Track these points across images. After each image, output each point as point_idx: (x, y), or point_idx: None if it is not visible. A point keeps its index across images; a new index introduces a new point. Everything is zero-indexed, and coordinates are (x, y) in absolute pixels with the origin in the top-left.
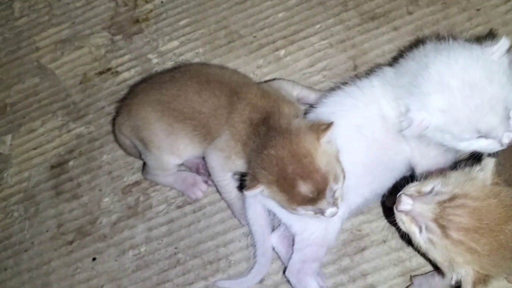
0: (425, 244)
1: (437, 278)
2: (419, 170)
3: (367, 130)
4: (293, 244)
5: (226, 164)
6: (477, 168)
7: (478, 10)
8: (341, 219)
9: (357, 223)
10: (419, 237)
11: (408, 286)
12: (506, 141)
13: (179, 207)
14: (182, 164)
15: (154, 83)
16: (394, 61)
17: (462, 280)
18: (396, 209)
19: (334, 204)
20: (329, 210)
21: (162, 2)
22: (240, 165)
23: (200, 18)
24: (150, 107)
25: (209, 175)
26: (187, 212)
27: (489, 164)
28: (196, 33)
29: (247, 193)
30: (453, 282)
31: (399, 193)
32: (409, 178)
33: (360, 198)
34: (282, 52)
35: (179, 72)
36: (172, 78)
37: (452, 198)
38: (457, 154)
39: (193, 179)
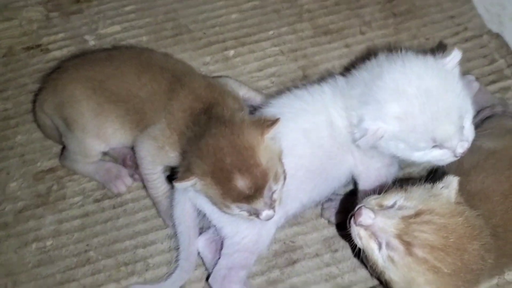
0: (383, 262)
1: None
2: (360, 182)
3: (313, 136)
4: (221, 249)
5: (158, 155)
6: (440, 185)
7: (427, 39)
8: (276, 225)
9: (291, 234)
10: (377, 255)
11: None
12: (460, 151)
13: (97, 200)
14: (106, 154)
15: (88, 59)
16: (346, 71)
17: None
18: (355, 223)
19: (271, 206)
20: (265, 213)
21: None
22: (173, 158)
23: (148, 6)
24: (80, 84)
25: (136, 168)
26: (105, 207)
27: (453, 182)
28: (141, 21)
29: (178, 185)
30: None
31: (358, 205)
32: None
33: (299, 204)
34: (231, 52)
35: (118, 51)
36: (109, 56)
37: (417, 214)
38: (399, 169)
39: (117, 171)
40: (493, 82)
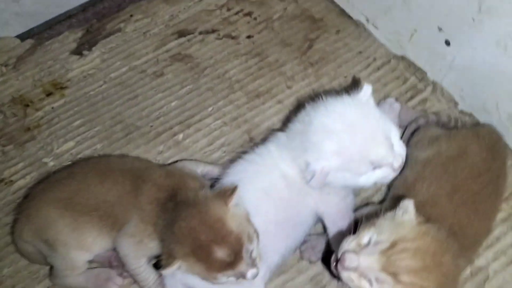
0: None
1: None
2: (325, 219)
3: (272, 191)
4: None
5: (139, 250)
6: (399, 212)
7: (345, 77)
8: (263, 280)
9: (280, 283)
10: None
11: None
12: (396, 165)
13: None
14: (92, 261)
15: (51, 182)
16: (284, 125)
17: None
18: (343, 267)
19: (253, 265)
20: (250, 272)
21: (52, 108)
22: (153, 247)
23: (94, 116)
24: (51, 206)
25: (123, 266)
26: None
27: (409, 206)
28: (91, 131)
29: (165, 272)
30: None
31: (341, 252)
32: None
33: (278, 256)
34: (180, 136)
35: (78, 166)
36: (71, 174)
37: (392, 245)
38: (355, 197)
39: (106, 275)
40: (411, 98)
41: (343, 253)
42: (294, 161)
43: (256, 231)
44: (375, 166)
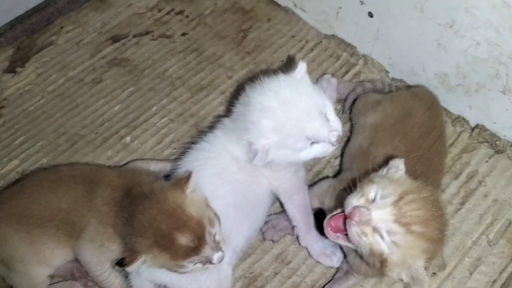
0: (388, 249)
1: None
2: (281, 196)
3: (226, 175)
4: None
5: (101, 254)
6: (391, 170)
7: (282, 61)
8: (230, 264)
9: (247, 266)
10: (383, 244)
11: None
12: (333, 139)
13: None
14: (53, 276)
15: (0, 199)
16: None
17: (414, 273)
18: (357, 222)
19: (218, 248)
20: (216, 256)
21: None
22: (115, 250)
23: (36, 132)
24: (3, 223)
25: (87, 275)
26: None
27: (399, 164)
28: (35, 147)
29: (130, 268)
30: (405, 280)
31: (351, 207)
32: None
33: (242, 238)
34: (128, 138)
35: (26, 180)
36: (20, 187)
37: (401, 197)
38: (305, 172)
39: (71, 287)
40: (346, 73)
41: (355, 208)
42: (239, 142)
43: (216, 215)
44: (313, 141)
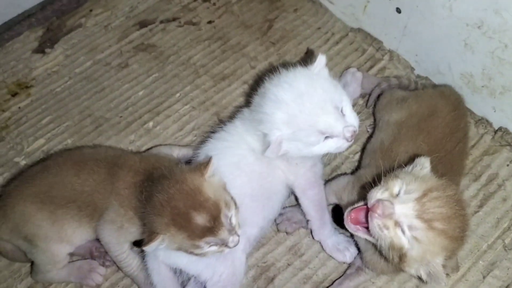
0: (408, 244)
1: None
2: (296, 189)
3: (244, 165)
4: None
5: (120, 235)
6: (417, 167)
7: (306, 53)
8: (244, 252)
9: (260, 256)
10: (403, 239)
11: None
12: (348, 135)
13: None
14: (72, 254)
15: (25, 177)
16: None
17: (432, 270)
18: (379, 215)
19: (234, 232)
20: (231, 239)
21: (19, 107)
22: (134, 232)
23: (63, 112)
24: (27, 202)
25: (105, 255)
26: None
27: (425, 162)
28: (61, 127)
29: (148, 248)
30: (424, 277)
31: (374, 199)
32: None
33: (256, 228)
34: (150, 124)
35: (51, 160)
36: (45, 167)
37: (425, 193)
38: (322, 168)
39: (88, 265)
40: (371, 67)
41: (378, 201)
42: (256, 133)
43: (233, 199)
44: (326, 135)
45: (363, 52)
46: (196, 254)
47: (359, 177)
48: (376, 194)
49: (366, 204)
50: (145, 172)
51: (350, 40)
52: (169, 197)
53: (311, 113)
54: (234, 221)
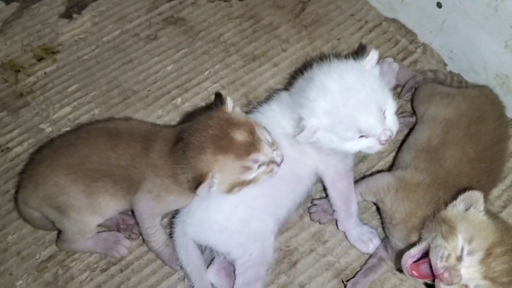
0: None
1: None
2: (325, 179)
3: None
4: (233, 271)
5: (156, 206)
6: (471, 210)
7: (338, 39)
8: (273, 233)
9: (284, 240)
10: None
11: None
12: (383, 138)
13: (103, 270)
14: (99, 225)
15: (58, 147)
16: (282, 88)
17: None
18: (448, 283)
19: (275, 147)
20: (275, 153)
21: (45, 73)
22: (170, 201)
23: (90, 81)
24: (60, 172)
25: (132, 227)
26: (114, 274)
27: (479, 199)
28: (88, 96)
29: (201, 190)
30: None
31: (442, 268)
32: None
33: (285, 209)
34: (179, 100)
35: (85, 132)
36: (79, 139)
37: (488, 253)
38: (353, 160)
39: (114, 237)
40: (402, 59)
41: (447, 270)
42: (292, 118)
43: (265, 128)
44: (362, 134)
45: (396, 43)
46: (249, 183)
47: (402, 179)
48: (442, 262)
49: (426, 253)
50: (177, 140)
51: (384, 30)
52: (205, 132)
53: (354, 109)
54: (270, 139)
